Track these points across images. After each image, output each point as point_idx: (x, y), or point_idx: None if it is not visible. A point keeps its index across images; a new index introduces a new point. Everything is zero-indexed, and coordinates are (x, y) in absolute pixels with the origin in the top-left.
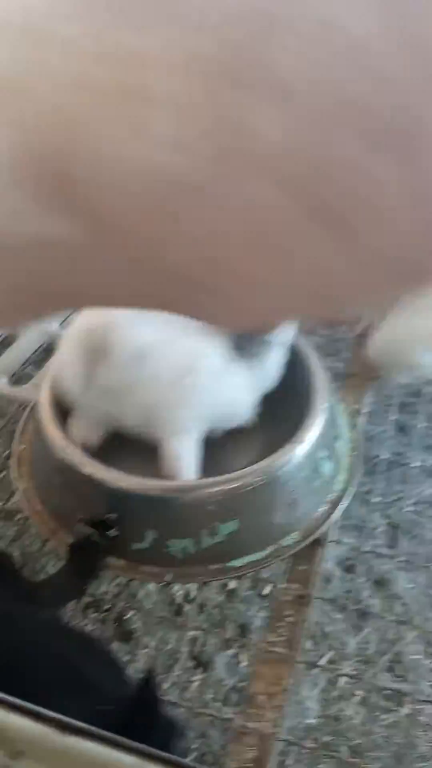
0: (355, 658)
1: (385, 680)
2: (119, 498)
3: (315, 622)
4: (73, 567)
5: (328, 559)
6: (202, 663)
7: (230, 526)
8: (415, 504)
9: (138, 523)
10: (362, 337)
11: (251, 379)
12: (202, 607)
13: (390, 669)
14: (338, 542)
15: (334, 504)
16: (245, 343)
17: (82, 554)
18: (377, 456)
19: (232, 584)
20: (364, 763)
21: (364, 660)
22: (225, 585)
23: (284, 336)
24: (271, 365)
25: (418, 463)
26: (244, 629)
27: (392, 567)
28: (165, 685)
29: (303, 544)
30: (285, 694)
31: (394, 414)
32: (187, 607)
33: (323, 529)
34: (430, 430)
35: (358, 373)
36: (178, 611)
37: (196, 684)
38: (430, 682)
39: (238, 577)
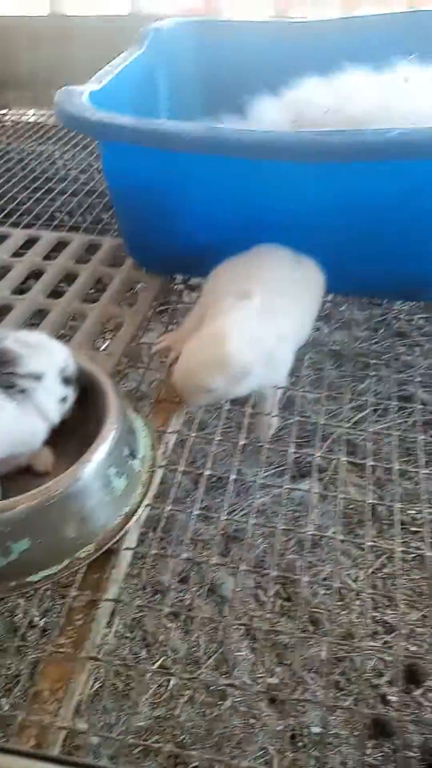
0: (186, 660)
1: (212, 678)
2: None
3: (151, 632)
4: None
5: (164, 573)
6: None
7: (23, 545)
8: (245, 514)
9: None
10: (170, 368)
11: (24, 413)
12: None
13: (216, 667)
14: (174, 556)
15: (129, 516)
16: (8, 379)
17: None
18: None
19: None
20: (188, 756)
21: (193, 661)
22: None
23: (56, 369)
24: (47, 397)
25: (251, 478)
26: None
27: (223, 573)
28: None
29: (96, 555)
30: (68, 690)
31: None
32: None
33: (117, 539)
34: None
35: (166, 398)
36: None
37: None
38: (251, 675)
39: (35, 590)
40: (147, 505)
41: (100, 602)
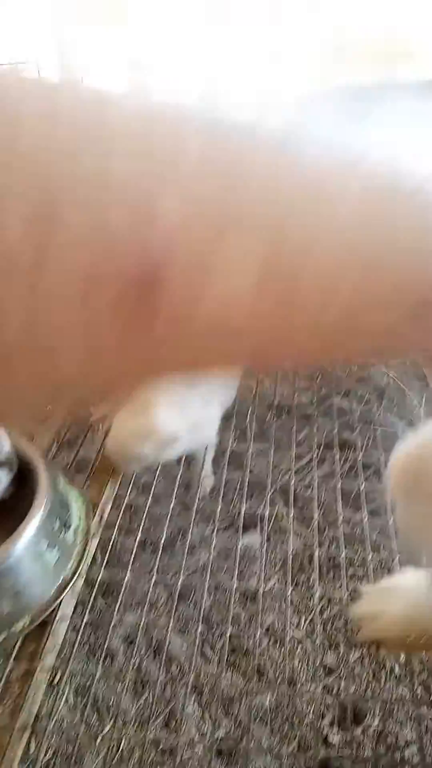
0: (135, 721)
1: (161, 735)
2: None
3: (101, 697)
4: None
5: (112, 638)
6: None
7: None
8: (191, 573)
9: None
10: (105, 434)
11: None
12: None
13: (166, 725)
14: (121, 622)
15: (62, 588)
16: None
17: None
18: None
19: None
20: None
21: (141, 722)
22: None
23: None
24: None
25: (197, 537)
26: None
27: (169, 632)
28: None
29: (32, 627)
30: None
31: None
32: None
33: (52, 610)
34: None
35: (100, 467)
36: None
37: None
38: (198, 728)
39: None
40: (79, 575)
41: (35, 672)
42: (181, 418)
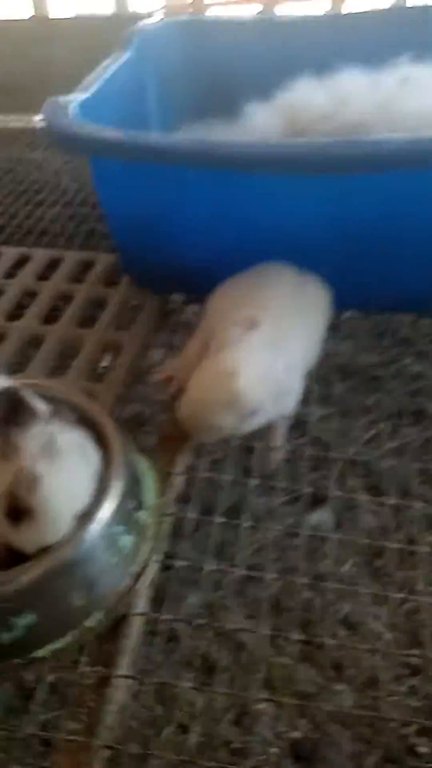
0: (202, 715)
1: (231, 732)
2: None
3: (163, 687)
4: None
5: (175, 620)
6: None
7: (27, 619)
8: (257, 550)
9: None
10: (174, 399)
11: None
12: None
13: (236, 722)
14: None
15: (138, 577)
16: None
17: None
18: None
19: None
20: None
21: (210, 717)
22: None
23: None
24: None
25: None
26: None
27: (236, 616)
28: None
29: (107, 623)
30: None
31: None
32: None
33: (127, 604)
34: None
35: (171, 435)
36: None
37: None
38: (271, 727)
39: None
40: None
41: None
42: (265, 387)
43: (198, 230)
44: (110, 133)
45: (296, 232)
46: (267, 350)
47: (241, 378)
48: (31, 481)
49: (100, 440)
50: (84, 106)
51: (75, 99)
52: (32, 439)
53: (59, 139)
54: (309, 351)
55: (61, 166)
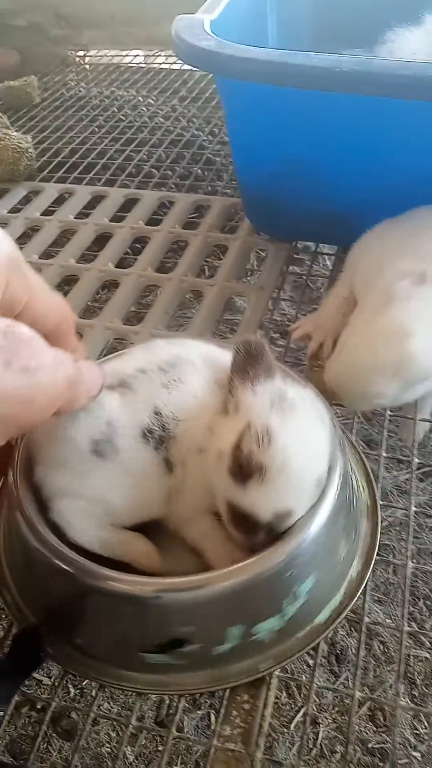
0: (333, 707)
1: (367, 731)
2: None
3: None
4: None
5: None
6: None
7: (308, 584)
8: (386, 527)
9: (216, 625)
10: (317, 360)
11: None
12: None
13: (371, 719)
14: None
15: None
16: None
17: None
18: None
19: None
20: None
21: (341, 710)
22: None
23: None
24: None
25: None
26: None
27: (366, 601)
28: None
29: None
30: None
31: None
32: None
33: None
34: None
35: None
36: None
37: None
38: (412, 728)
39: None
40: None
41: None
42: None
43: (349, 169)
44: (270, 54)
45: None
46: None
47: (415, 339)
48: (265, 436)
49: None
50: (214, 24)
51: (205, 18)
52: (264, 393)
53: (200, 60)
54: None
55: (157, 104)
